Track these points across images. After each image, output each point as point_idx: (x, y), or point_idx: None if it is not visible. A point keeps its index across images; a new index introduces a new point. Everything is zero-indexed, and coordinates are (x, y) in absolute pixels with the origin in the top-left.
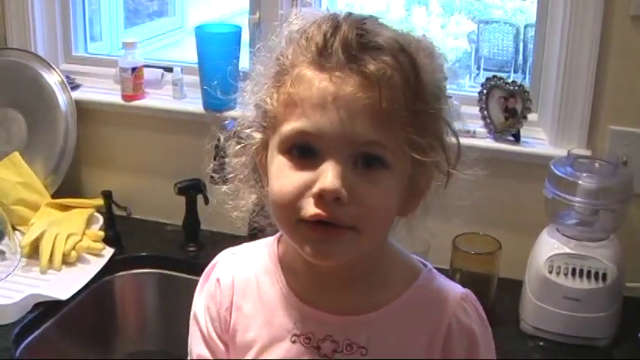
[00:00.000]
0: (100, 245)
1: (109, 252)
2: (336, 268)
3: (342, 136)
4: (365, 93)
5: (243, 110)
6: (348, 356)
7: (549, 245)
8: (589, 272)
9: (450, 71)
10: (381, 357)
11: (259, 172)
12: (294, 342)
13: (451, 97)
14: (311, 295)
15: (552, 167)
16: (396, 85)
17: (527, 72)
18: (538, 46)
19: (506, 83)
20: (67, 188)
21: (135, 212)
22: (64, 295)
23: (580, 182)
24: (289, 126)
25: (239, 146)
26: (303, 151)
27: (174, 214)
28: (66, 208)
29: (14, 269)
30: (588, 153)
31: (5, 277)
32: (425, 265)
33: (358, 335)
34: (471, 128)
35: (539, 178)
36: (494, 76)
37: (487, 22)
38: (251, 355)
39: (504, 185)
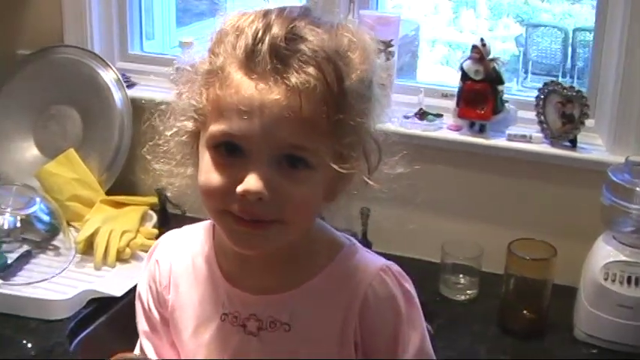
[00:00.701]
0: (154, 243)
1: None
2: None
3: (265, 141)
4: (288, 103)
5: (177, 98)
6: (272, 333)
7: (605, 252)
8: None
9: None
10: (304, 331)
11: (190, 157)
12: (223, 320)
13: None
14: (238, 276)
15: (610, 174)
16: (318, 96)
17: (576, 76)
18: (595, 51)
19: (564, 88)
20: (121, 185)
21: (189, 211)
22: (117, 291)
23: (638, 189)
24: (216, 127)
25: (171, 132)
26: (230, 151)
27: None
28: (120, 205)
29: (69, 265)
30: None
31: (60, 273)
32: (350, 240)
33: (281, 312)
34: (527, 133)
35: (595, 185)
36: (552, 81)
37: (535, 26)
38: (187, 332)
39: (560, 191)
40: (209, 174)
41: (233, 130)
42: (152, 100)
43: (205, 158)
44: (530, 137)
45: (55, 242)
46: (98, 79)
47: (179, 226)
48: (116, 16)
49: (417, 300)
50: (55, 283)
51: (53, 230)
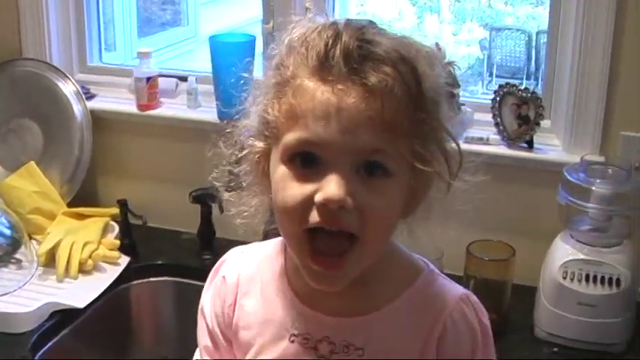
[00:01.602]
0: (116, 254)
1: (124, 260)
2: None
3: (345, 147)
4: (367, 104)
5: (245, 119)
6: (345, 357)
7: (563, 251)
8: (603, 278)
9: (459, 78)
10: (378, 357)
11: (261, 179)
12: (292, 342)
13: (464, 104)
14: (311, 297)
15: (566, 173)
16: (398, 96)
17: (540, 79)
18: (550, 52)
19: (519, 90)
20: (82, 197)
21: (150, 221)
22: (80, 303)
23: (593, 188)
24: (292, 136)
25: (241, 154)
26: (306, 161)
27: (190, 222)
28: (82, 217)
29: (31, 278)
30: (601, 159)
31: (22, 286)
32: (427, 265)
33: (355, 336)
34: (484, 135)
35: (552, 185)
36: (507, 84)
37: (499, 29)
38: (252, 352)
39: (518, 192)
40: (285, 189)
41: (310, 136)
42: (112, 111)
43: (279, 173)
44: (488, 139)
45: (17, 255)
46: (57, 92)
47: (141, 236)
48: (74, 27)
49: (491, 334)
50: (18, 296)
51: (15, 244)
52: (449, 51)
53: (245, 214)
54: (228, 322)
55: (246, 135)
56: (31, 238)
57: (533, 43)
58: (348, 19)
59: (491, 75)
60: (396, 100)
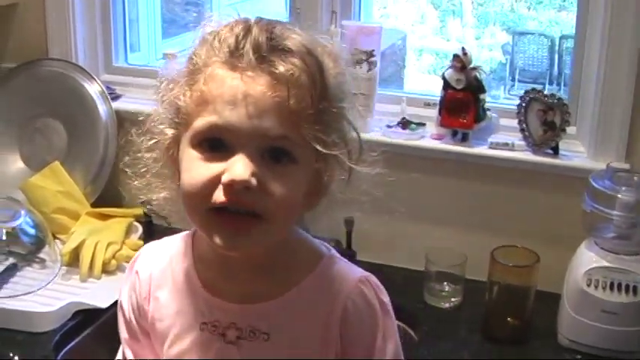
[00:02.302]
0: (135, 254)
1: None
2: (242, 258)
3: (251, 131)
4: (274, 92)
5: (155, 107)
6: (251, 342)
7: (587, 258)
8: (627, 286)
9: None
10: (283, 341)
11: (171, 167)
12: (202, 330)
13: (489, 109)
14: (218, 286)
15: (591, 180)
16: (303, 86)
17: (562, 84)
18: (576, 59)
19: (545, 96)
20: (106, 197)
21: (174, 222)
22: (103, 303)
23: (619, 196)
24: (202, 121)
25: (151, 142)
26: (214, 145)
27: None
28: (105, 217)
29: (55, 277)
30: (627, 166)
31: (46, 285)
32: (328, 249)
33: (260, 322)
34: (509, 141)
35: (577, 192)
36: (533, 89)
37: (522, 34)
38: (167, 342)
39: (542, 198)
40: (192, 171)
41: (218, 121)
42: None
43: (187, 157)
44: (513, 145)
45: (40, 255)
46: (83, 92)
47: (164, 237)
48: (100, 28)
49: (392, 311)
50: (41, 295)
51: (39, 243)
52: (339, 49)
53: (154, 202)
54: (144, 315)
55: (157, 123)
56: (55, 237)
57: (556, 48)
58: (259, 17)
59: (513, 80)
60: (301, 89)
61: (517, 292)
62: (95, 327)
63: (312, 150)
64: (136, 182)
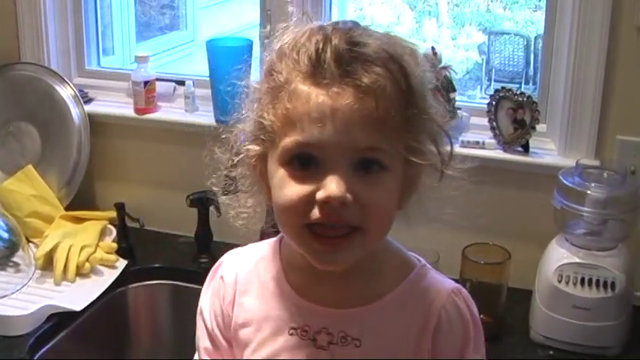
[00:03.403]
0: (114, 257)
1: (122, 263)
2: None
3: (341, 146)
4: (361, 104)
5: (240, 124)
6: (342, 348)
7: (558, 255)
8: (598, 281)
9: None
10: (375, 348)
11: (259, 183)
12: (291, 334)
13: (460, 108)
14: (308, 289)
15: (561, 177)
16: (390, 94)
17: (539, 83)
18: (546, 58)
19: (515, 94)
20: (80, 201)
21: (147, 224)
22: (78, 306)
23: (589, 192)
24: (290, 139)
25: (237, 158)
26: (305, 163)
27: (187, 225)
28: (79, 220)
29: (29, 281)
30: (596, 163)
31: (20, 289)
32: (419, 260)
33: (352, 327)
34: (480, 139)
35: (548, 189)
36: (503, 88)
37: (497, 34)
38: (251, 347)
39: (513, 195)
40: (285, 189)
41: (307, 139)
42: (110, 114)
43: (278, 176)
44: (484, 143)
45: (14, 259)
46: (55, 96)
47: (138, 239)
48: (72, 32)
49: (481, 325)
50: (15, 299)
51: (12, 247)
52: (447, 55)
53: (244, 215)
54: (228, 321)
55: (242, 140)
56: (28, 241)
57: (532, 48)
58: (335, 22)
59: (489, 79)
60: (388, 98)
61: (489, 290)
62: (70, 330)
63: (401, 156)
64: (224, 198)
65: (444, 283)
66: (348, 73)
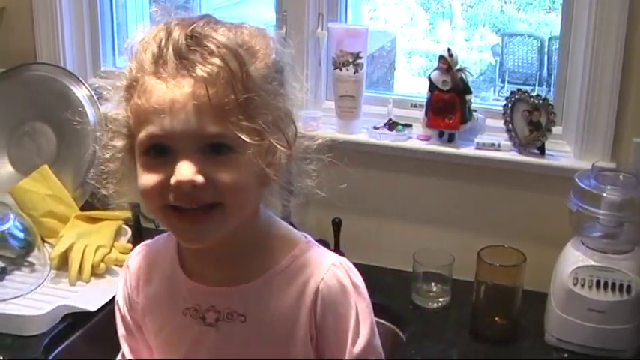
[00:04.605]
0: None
1: None
2: (213, 244)
3: (185, 135)
4: (196, 93)
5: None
6: (228, 323)
7: (574, 257)
8: (613, 284)
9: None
10: (259, 323)
11: (130, 174)
12: (185, 314)
13: (475, 110)
14: (199, 271)
15: (577, 180)
16: (223, 81)
17: (552, 85)
18: (562, 59)
19: (531, 97)
20: (95, 201)
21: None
22: (93, 306)
23: (604, 195)
24: (142, 133)
25: (108, 154)
26: (159, 151)
27: None
28: (94, 220)
29: (44, 281)
30: (612, 166)
31: (35, 289)
32: (305, 237)
33: (237, 304)
34: (495, 141)
35: (563, 191)
36: (519, 90)
37: (511, 35)
38: (154, 331)
39: (529, 198)
40: (143, 177)
41: (155, 130)
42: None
43: (139, 166)
44: (499, 145)
45: (29, 258)
46: (71, 96)
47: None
48: (88, 32)
49: (366, 294)
50: (30, 299)
51: (28, 247)
52: (461, 57)
53: (126, 205)
54: (135, 307)
55: (110, 136)
56: (44, 241)
57: (546, 50)
58: (182, 18)
59: (503, 81)
60: (221, 85)
61: (504, 292)
62: (85, 330)
63: (245, 138)
64: (103, 192)
65: (325, 256)
66: (185, 65)
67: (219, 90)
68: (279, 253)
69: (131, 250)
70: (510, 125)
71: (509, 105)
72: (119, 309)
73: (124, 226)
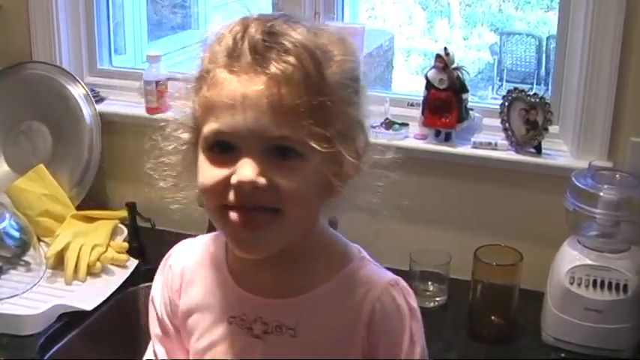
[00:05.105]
0: (125, 256)
1: (133, 263)
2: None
3: (253, 133)
4: (269, 92)
5: (173, 113)
6: (277, 337)
7: (570, 257)
8: (610, 283)
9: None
10: (309, 338)
11: (193, 169)
12: (230, 323)
13: (472, 109)
14: (247, 278)
15: (573, 179)
16: (297, 82)
17: (550, 84)
18: (559, 58)
19: (528, 95)
20: (91, 200)
21: (159, 224)
22: (88, 305)
23: (601, 194)
24: (208, 127)
25: (171, 146)
26: (223, 148)
27: (198, 225)
28: (91, 219)
29: (39, 280)
30: (609, 165)
31: (31, 288)
32: (360, 251)
33: (287, 317)
34: (492, 140)
35: (560, 190)
36: (516, 89)
37: (509, 34)
38: (195, 336)
39: (526, 197)
40: (204, 173)
41: (222, 126)
42: (122, 114)
43: (200, 161)
44: (496, 144)
45: (25, 258)
46: (67, 95)
47: (149, 239)
48: (84, 31)
49: (420, 316)
50: (26, 298)
51: (24, 246)
52: (459, 56)
53: (184, 201)
54: (175, 309)
55: (175, 128)
56: (39, 240)
57: (544, 48)
58: (260, 14)
59: (501, 80)
60: (294, 86)
61: (501, 291)
62: (80, 329)
63: (314, 140)
64: (161, 184)
65: (380, 274)
66: (259, 61)
67: (293, 90)
68: (334, 268)
69: (127, 250)
70: (507, 124)
71: (506, 104)
72: (155, 309)
73: (120, 226)
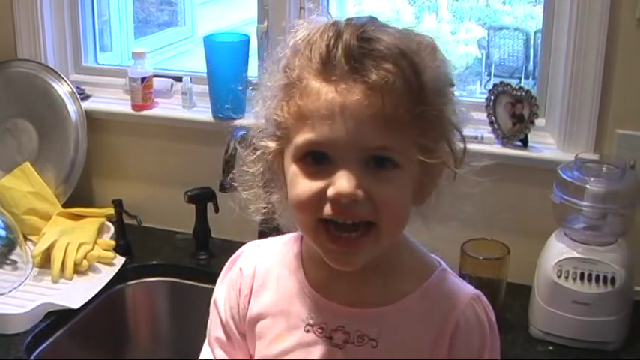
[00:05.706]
0: (111, 254)
1: (120, 261)
2: None
3: (351, 144)
4: (369, 101)
5: (255, 120)
6: (359, 347)
7: (558, 250)
8: (598, 276)
9: (455, 73)
10: (391, 350)
11: (277, 179)
12: (307, 331)
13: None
14: (327, 287)
15: (560, 172)
16: (399, 91)
17: (537, 77)
18: (545, 52)
19: (514, 89)
20: (77, 198)
21: (145, 221)
22: (75, 303)
23: (588, 187)
24: (301, 137)
25: (254, 155)
26: (317, 159)
27: (185, 222)
28: (77, 217)
29: (26, 279)
30: (596, 157)
31: (17, 287)
32: (440, 262)
33: (369, 327)
34: (478, 134)
35: (547, 183)
36: (502, 82)
37: (497, 29)
38: (266, 341)
39: (512, 190)
40: (298, 185)
41: (318, 137)
42: (107, 111)
43: (292, 172)
44: (482, 138)
45: (12, 256)
46: (52, 92)
47: (136, 236)
48: (69, 28)
49: (497, 331)
50: (13, 297)
51: (10, 244)
52: (447, 50)
53: (263, 211)
54: (243, 313)
55: (259, 137)
56: (26, 239)
57: (532, 43)
58: (350, 18)
59: (489, 74)
60: (396, 95)
61: (488, 285)
62: (67, 327)
63: (414, 154)
64: (244, 194)
65: (464, 288)
66: (357, 69)
67: (394, 99)
68: (417, 279)
69: (114, 248)
70: (493, 118)
71: (492, 97)
72: (219, 313)
73: (107, 223)
